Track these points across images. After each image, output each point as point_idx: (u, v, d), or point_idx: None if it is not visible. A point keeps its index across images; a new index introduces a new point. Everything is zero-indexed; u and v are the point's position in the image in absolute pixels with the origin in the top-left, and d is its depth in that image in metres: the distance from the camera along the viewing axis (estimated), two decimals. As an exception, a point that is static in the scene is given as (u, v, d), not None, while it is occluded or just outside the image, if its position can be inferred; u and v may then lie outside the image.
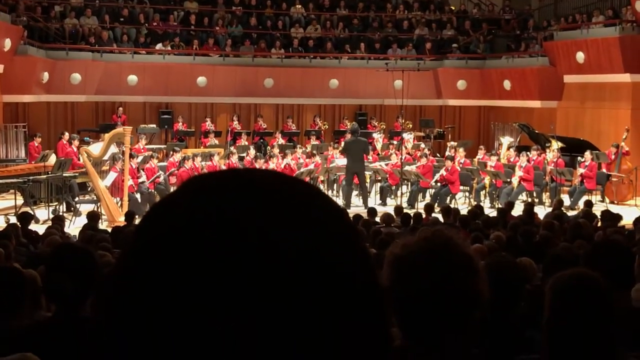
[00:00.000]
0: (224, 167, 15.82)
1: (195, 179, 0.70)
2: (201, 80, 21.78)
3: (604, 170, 17.38)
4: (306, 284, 0.63)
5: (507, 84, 22.15)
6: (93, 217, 11.20)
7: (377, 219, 11.62)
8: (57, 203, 15.00)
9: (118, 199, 14.50)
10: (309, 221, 0.67)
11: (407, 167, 16.88)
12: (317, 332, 0.63)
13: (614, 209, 13.95)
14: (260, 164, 16.27)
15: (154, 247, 0.66)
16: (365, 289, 0.68)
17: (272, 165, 16.71)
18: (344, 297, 0.65)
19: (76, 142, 16.78)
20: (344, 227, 0.70)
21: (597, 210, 12.84)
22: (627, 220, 11.67)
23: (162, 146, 19.98)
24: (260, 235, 0.64)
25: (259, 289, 0.62)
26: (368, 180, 16.98)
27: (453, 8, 25.83)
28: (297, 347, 0.62)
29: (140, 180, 15.23)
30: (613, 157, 17.56)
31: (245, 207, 0.66)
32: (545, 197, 16.98)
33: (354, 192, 16.74)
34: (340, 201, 16.58)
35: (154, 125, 21.17)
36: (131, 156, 14.69)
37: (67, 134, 17.67)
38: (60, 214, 13.51)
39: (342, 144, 17.17)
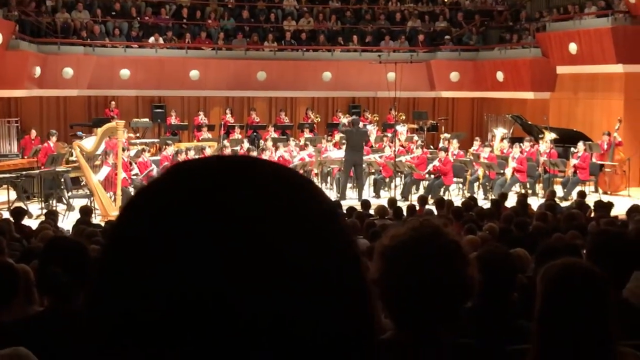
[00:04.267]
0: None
1: (180, 164, 0.70)
2: (194, 73, 21.73)
3: (597, 160, 17.40)
4: (289, 277, 0.63)
5: (500, 76, 22.15)
6: (86, 211, 11.19)
7: (371, 211, 11.63)
8: (50, 199, 14.94)
9: (111, 193, 14.47)
10: (294, 209, 0.66)
11: (400, 159, 16.89)
12: (298, 327, 0.62)
13: (607, 199, 13.97)
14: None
15: (137, 232, 0.65)
16: (350, 286, 0.67)
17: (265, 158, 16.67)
18: (328, 294, 0.64)
19: (53, 139, 16.57)
20: (330, 218, 0.69)
21: (591, 200, 12.86)
22: (620, 211, 11.70)
23: (155, 140, 19.94)
24: (241, 222, 0.63)
25: (241, 277, 0.62)
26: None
27: (445, 0, 25.81)
28: (280, 343, 0.62)
29: (132, 172, 15.20)
30: (605, 147, 17.59)
31: (229, 191, 0.65)
32: (539, 188, 17.01)
33: (349, 185, 16.74)
34: (334, 193, 16.60)
35: (147, 119, 21.12)
36: (122, 149, 14.65)
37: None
38: (54, 208, 13.49)
39: (342, 134, 17.27)
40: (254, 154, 16.81)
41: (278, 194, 0.67)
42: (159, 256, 0.63)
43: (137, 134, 20.31)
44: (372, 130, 20.31)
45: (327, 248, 0.66)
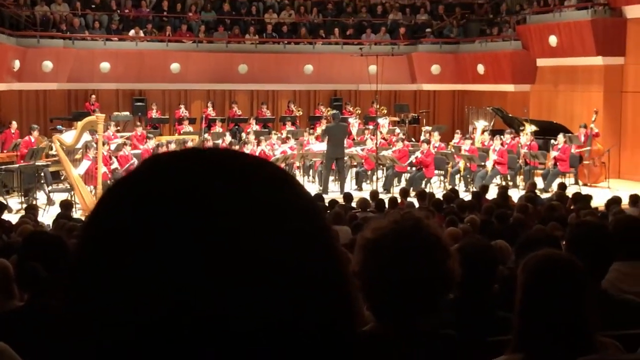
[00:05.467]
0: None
1: (158, 156, 0.69)
2: (174, 66, 21.63)
3: (577, 152, 17.51)
4: (271, 272, 0.62)
5: (480, 68, 22.22)
6: (67, 205, 11.14)
7: (353, 204, 11.65)
8: (30, 193, 14.82)
9: (92, 187, 14.39)
10: (275, 203, 0.66)
11: (382, 152, 16.92)
12: (280, 322, 0.62)
13: (587, 191, 14.07)
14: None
15: (115, 222, 0.64)
16: (332, 281, 0.66)
17: (246, 151, 16.63)
18: (310, 288, 0.64)
19: (35, 133, 16.43)
20: (312, 212, 0.68)
21: (571, 192, 12.95)
22: (600, 203, 11.79)
23: (136, 133, 19.83)
24: (223, 217, 0.63)
25: (222, 274, 0.61)
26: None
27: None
28: (263, 337, 0.61)
29: (112, 167, 15.12)
30: (583, 139, 17.69)
31: (210, 185, 0.64)
32: (519, 180, 17.09)
33: (331, 178, 16.75)
34: (316, 186, 16.60)
35: (128, 113, 21.00)
36: (103, 143, 14.57)
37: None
38: (33, 203, 13.40)
39: (323, 127, 17.37)
40: (236, 147, 16.77)
41: (259, 188, 0.66)
42: (138, 244, 0.62)
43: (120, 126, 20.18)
44: (354, 123, 20.33)
45: (309, 243, 0.65)
